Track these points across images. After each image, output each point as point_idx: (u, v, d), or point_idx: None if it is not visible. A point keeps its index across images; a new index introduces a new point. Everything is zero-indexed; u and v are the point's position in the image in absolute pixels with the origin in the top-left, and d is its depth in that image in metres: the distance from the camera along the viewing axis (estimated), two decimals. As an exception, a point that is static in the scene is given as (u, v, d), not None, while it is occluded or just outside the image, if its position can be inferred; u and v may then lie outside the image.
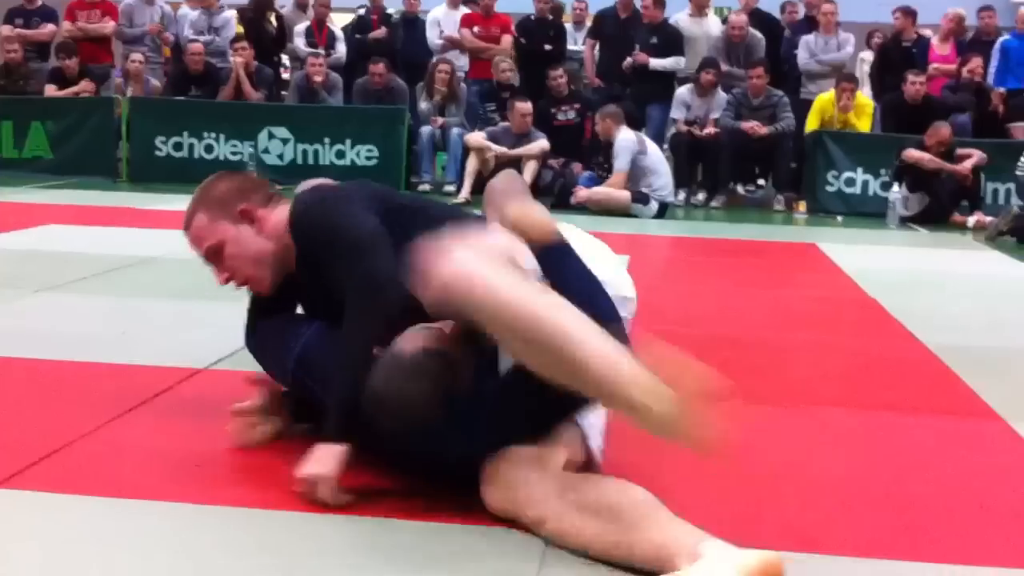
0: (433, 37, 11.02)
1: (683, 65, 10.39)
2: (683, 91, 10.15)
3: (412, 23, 11.36)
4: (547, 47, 10.82)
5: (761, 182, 10.65)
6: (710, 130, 9.90)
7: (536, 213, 2.42)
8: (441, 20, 11.10)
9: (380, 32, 11.15)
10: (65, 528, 2.20)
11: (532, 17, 11.08)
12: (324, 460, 2.28)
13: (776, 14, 11.58)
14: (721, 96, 10.06)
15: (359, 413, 2.25)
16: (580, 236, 2.58)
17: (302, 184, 2.78)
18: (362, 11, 11.57)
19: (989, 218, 8.85)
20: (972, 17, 11.16)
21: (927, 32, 11.16)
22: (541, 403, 2.22)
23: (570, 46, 11.42)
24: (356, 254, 2.39)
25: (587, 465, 2.35)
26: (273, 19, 11.46)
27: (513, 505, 2.20)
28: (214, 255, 2.61)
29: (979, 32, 11.04)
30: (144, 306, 4.47)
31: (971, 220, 9.03)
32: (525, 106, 9.41)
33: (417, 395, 2.19)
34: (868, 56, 11.10)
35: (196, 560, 2.06)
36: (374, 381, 2.20)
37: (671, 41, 10.45)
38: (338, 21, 11.71)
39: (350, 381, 2.28)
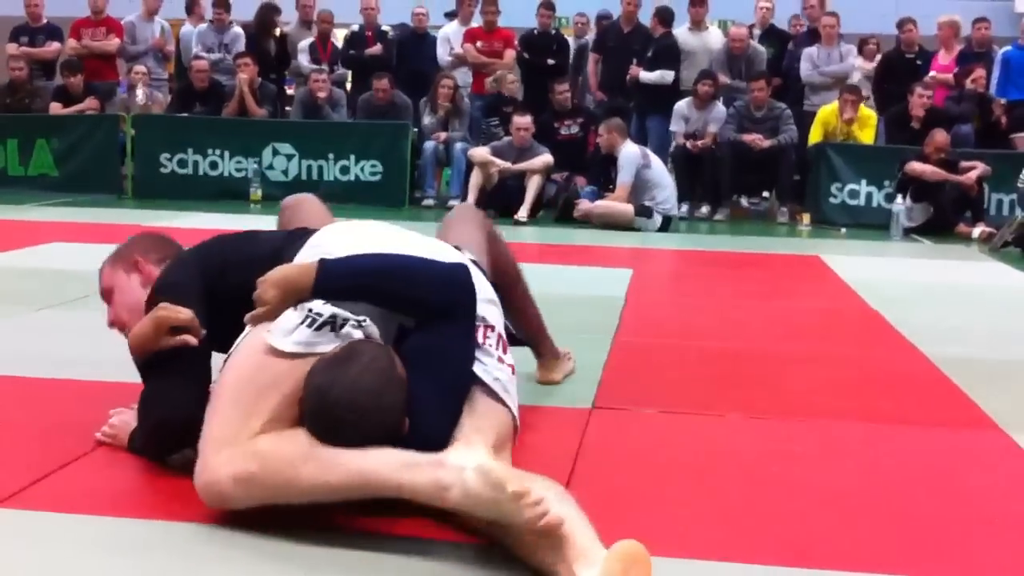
0: (443, 54, 11.05)
1: (670, 80, 10.37)
2: (681, 105, 10.13)
3: (421, 38, 11.37)
4: (550, 61, 10.84)
5: (765, 194, 10.64)
6: (705, 141, 9.90)
7: (278, 281, 2.44)
8: (451, 37, 11.13)
9: (376, 48, 11.14)
10: (66, 548, 2.20)
11: (535, 31, 11.11)
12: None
13: (781, 27, 11.57)
14: (720, 108, 10.06)
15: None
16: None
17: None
18: (356, 27, 11.56)
19: (993, 229, 8.84)
20: (967, 28, 11.09)
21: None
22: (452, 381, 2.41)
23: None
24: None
25: (515, 434, 2.54)
26: (276, 33, 11.46)
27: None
28: (106, 297, 2.88)
29: (973, 43, 10.97)
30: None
31: (976, 231, 9.02)
32: (523, 120, 9.41)
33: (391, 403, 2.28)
34: (860, 62, 11.03)
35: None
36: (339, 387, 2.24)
37: (665, 54, 10.44)
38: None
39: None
